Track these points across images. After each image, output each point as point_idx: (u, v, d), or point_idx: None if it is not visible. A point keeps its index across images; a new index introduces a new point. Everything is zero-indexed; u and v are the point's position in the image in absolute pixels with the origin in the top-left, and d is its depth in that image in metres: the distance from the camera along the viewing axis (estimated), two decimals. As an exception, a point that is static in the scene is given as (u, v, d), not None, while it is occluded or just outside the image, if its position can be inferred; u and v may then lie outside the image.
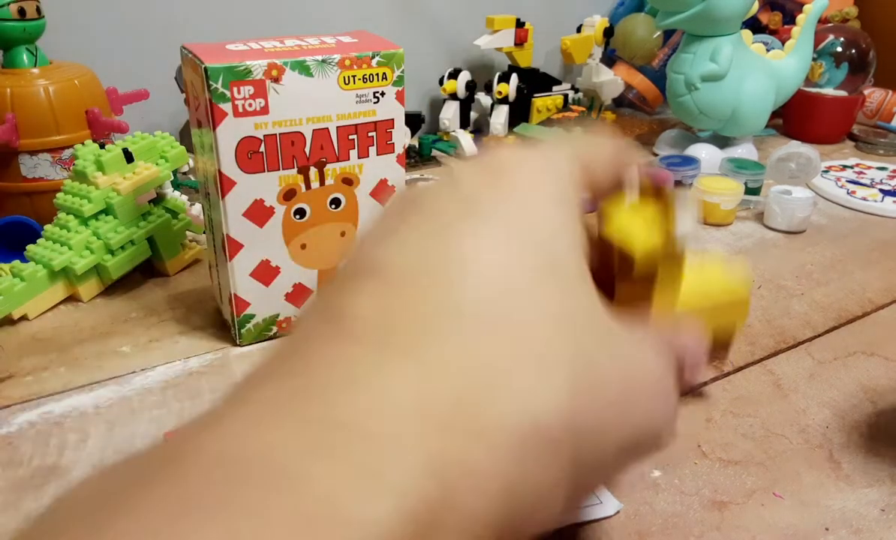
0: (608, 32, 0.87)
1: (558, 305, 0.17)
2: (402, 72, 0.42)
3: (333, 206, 0.41)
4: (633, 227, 0.23)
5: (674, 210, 0.23)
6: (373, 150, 0.41)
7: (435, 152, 0.75)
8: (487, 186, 0.19)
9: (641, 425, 0.19)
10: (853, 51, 0.85)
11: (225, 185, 0.38)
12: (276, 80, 0.39)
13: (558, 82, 0.84)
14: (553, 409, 0.16)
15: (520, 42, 0.80)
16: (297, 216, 0.40)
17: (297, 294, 0.42)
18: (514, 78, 0.78)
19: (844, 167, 0.73)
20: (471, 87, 0.79)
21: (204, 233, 0.46)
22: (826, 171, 0.71)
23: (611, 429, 0.18)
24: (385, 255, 0.17)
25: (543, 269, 0.18)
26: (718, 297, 0.27)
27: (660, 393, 0.20)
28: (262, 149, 0.39)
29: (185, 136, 0.70)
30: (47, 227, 0.45)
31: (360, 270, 0.17)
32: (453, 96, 0.79)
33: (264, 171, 0.39)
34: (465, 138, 0.76)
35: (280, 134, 0.40)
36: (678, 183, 0.24)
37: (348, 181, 0.41)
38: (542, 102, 0.81)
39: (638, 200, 0.24)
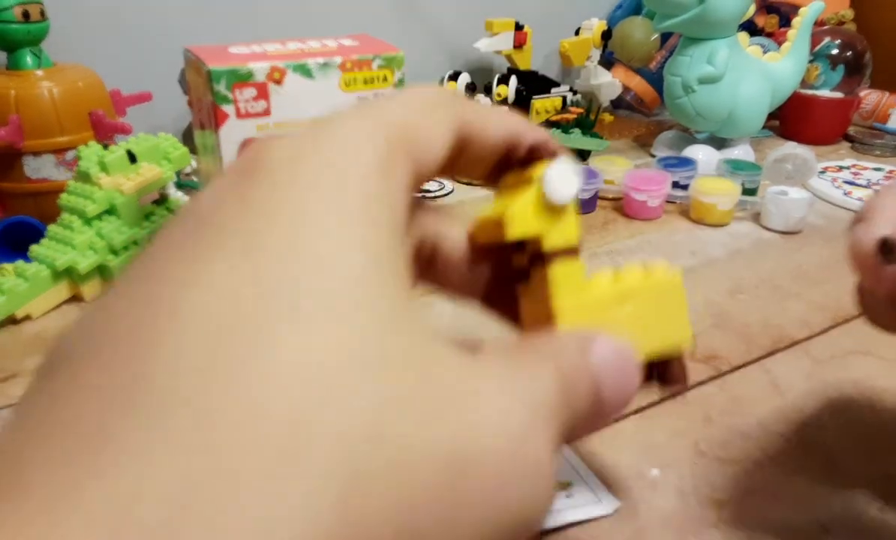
0: (606, 35, 0.87)
1: (317, 375, 0.12)
2: (403, 74, 0.42)
3: (335, 208, 0.41)
4: (511, 205, 0.20)
5: (540, 181, 0.20)
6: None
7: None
8: (233, 198, 0.15)
9: (484, 528, 0.14)
10: (849, 53, 0.86)
11: (228, 186, 0.39)
12: (279, 82, 0.39)
13: (557, 84, 0.85)
14: None
15: (519, 45, 0.81)
16: (300, 217, 0.40)
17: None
18: (513, 80, 0.78)
19: (841, 168, 0.74)
20: (470, 89, 0.79)
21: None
22: (822, 172, 0.71)
23: None
24: (89, 318, 0.14)
25: (301, 317, 0.13)
26: (643, 302, 0.21)
27: (517, 469, 0.14)
28: (265, 151, 0.39)
29: (188, 138, 0.70)
30: (51, 227, 0.46)
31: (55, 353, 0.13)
32: (453, 98, 0.79)
33: (267, 173, 0.39)
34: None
35: (283, 136, 0.40)
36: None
37: (350, 183, 0.41)
38: (541, 104, 0.81)
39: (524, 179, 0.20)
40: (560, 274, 0.20)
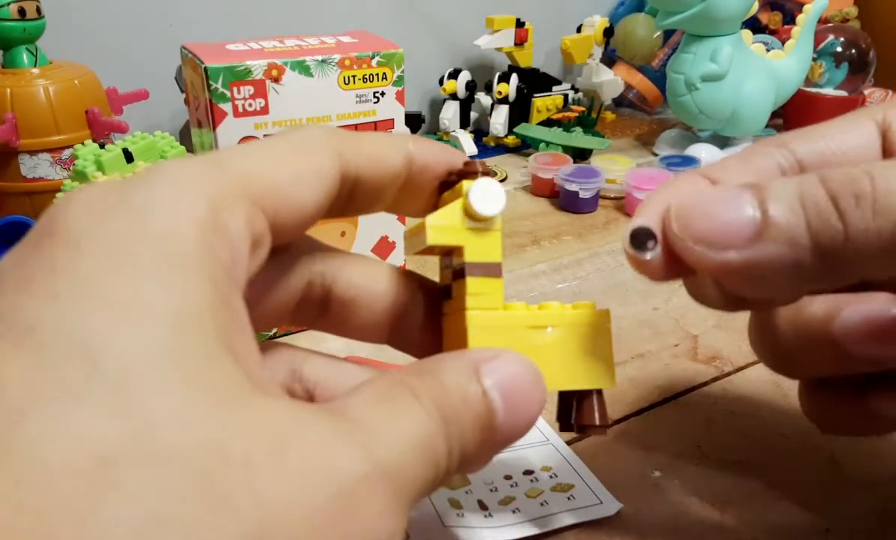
0: (608, 32, 0.87)
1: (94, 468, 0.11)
2: (402, 72, 0.42)
3: (333, 207, 0.41)
4: (434, 213, 0.20)
5: (466, 194, 0.20)
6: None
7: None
8: (11, 270, 0.13)
9: None
10: (853, 51, 0.85)
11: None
12: (276, 80, 0.39)
13: (558, 82, 0.84)
14: None
15: (520, 42, 0.80)
16: (297, 216, 0.40)
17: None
18: (514, 78, 0.78)
19: (844, 167, 0.73)
20: (471, 87, 0.79)
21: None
22: (826, 171, 0.71)
23: None
24: None
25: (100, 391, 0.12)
26: (562, 334, 0.21)
27: (345, 522, 0.13)
28: (262, 149, 0.39)
29: (185, 137, 0.70)
30: (47, 227, 0.45)
31: None
32: (453, 96, 0.79)
33: (264, 172, 0.39)
34: (466, 138, 0.76)
35: (280, 134, 0.40)
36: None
37: (348, 181, 0.41)
38: (542, 102, 0.81)
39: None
40: (477, 288, 0.20)
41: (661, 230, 0.20)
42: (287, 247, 0.20)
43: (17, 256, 0.14)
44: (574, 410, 0.22)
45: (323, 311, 0.21)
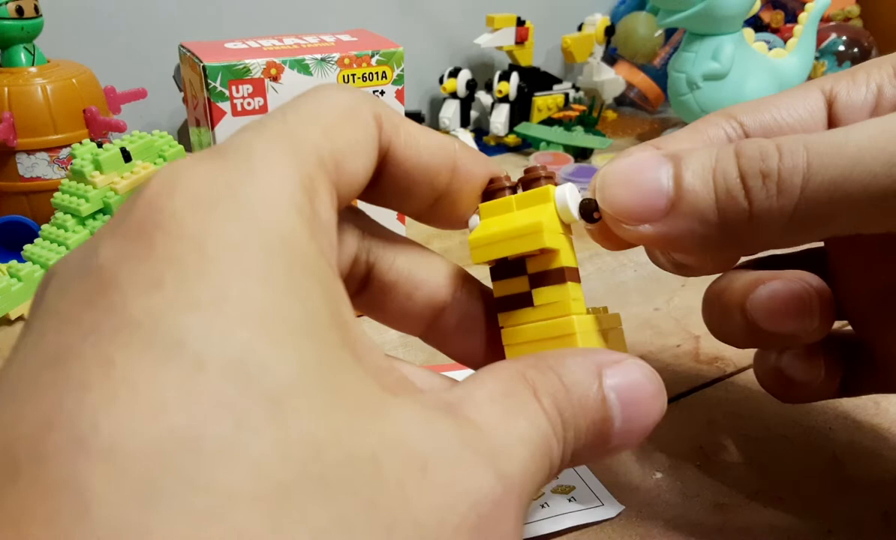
0: (609, 31, 0.86)
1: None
2: (402, 70, 0.42)
3: (332, 206, 0.41)
4: (533, 218, 0.20)
5: (556, 200, 0.20)
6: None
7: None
8: (129, 267, 0.12)
9: None
10: (855, 49, 0.85)
11: (223, 184, 0.38)
12: (275, 78, 0.39)
13: (559, 81, 0.84)
14: None
15: (520, 40, 0.80)
16: (296, 216, 0.40)
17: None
18: (514, 76, 0.78)
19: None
20: (471, 85, 0.79)
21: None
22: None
23: None
24: None
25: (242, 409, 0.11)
26: (617, 334, 0.22)
27: None
28: (260, 148, 0.39)
29: (183, 135, 0.70)
30: (44, 226, 0.45)
31: None
32: (453, 95, 0.79)
33: (263, 171, 0.39)
34: (466, 137, 0.75)
35: (278, 133, 0.39)
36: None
37: (347, 180, 0.41)
38: (543, 101, 0.81)
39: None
40: (575, 293, 0.20)
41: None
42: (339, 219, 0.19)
43: (123, 248, 0.12)
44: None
45: (361, 290, 0.21)
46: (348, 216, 0.20)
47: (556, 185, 0.20)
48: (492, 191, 0.21)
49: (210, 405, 0.11)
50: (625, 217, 0.19)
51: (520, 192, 0.21)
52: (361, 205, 0.21)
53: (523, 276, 0.21)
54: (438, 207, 0.20)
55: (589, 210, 0.20)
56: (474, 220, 0.21)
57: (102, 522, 0.10)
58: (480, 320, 0.22)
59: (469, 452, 0.13)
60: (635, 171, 0.19)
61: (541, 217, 0.19)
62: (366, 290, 0.21)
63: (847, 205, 0.17)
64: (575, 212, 0.20)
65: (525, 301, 0.20)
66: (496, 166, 0.21)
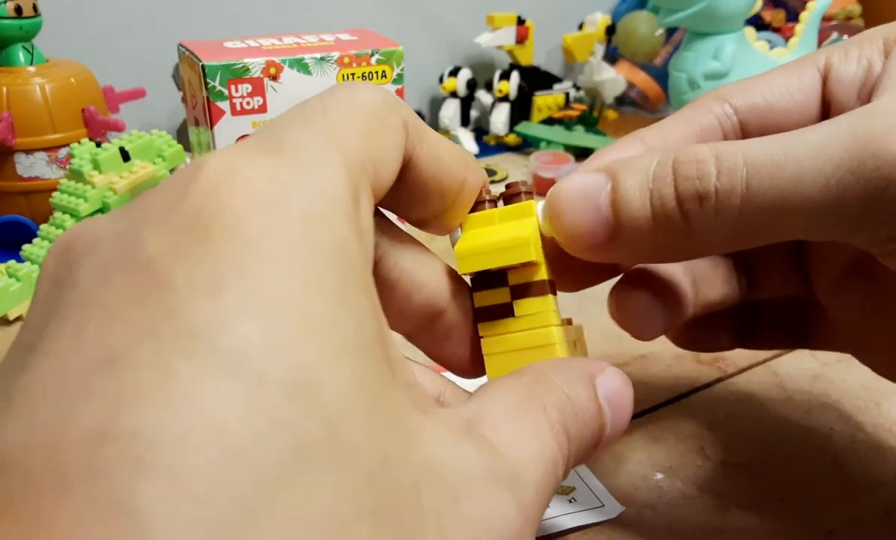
0: (610, 30, 0.86)
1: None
2: (402, 70, 0.42)
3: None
4: (519, 231, 0.21)
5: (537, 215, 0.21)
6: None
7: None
8: (186, 265, 0.11)
9: None
10: (856, 48, 0.85)
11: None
12: (275, 78, 0.38)
13: (559, 80, 0.84)
14: None
15: (521, 40, 0.80)
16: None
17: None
18: (514, 76, 0.77)
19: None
20: (471, 85, 0.79)
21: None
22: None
23: None
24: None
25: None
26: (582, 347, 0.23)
27: None
28: (259, 147, 0.39)
29: (182, 135, 0.70)
30: (43, 226, 0.45)
31: None
32: (453, 94, 0.79)
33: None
34: (466, 137, 0.75)
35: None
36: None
37: (347, 180, 0.41)
38: (544, 101, 0.80)
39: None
40: (554, 304, 0.21)
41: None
42: None
43: (175, 242, 0.12)
44: None
45: None
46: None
47: (535, 200, 0.21)
48: (478, 202, 0.21)
49: (271, 425, 0.11)
50: (571, 244, 0.20)
51: (500, 206, 0.21)
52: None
53: (504, 287, 0.21)
54: (441, 217, 0.20)
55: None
56: (457, 231, 0.22)
57: None
58: (469, 329, 0.22)
59: (494, 483, 0.14)
60: (576, 198, 0.20)
61: (526, 231, 0.20)
62: None
63: (786, 221, 0.18)
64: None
65: (506, 311, 0.21)
66: (484, 175, 0.22)
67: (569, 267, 0.22)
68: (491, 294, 0.21)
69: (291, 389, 0.11)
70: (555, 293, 0.21)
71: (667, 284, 0.24)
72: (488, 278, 0.21)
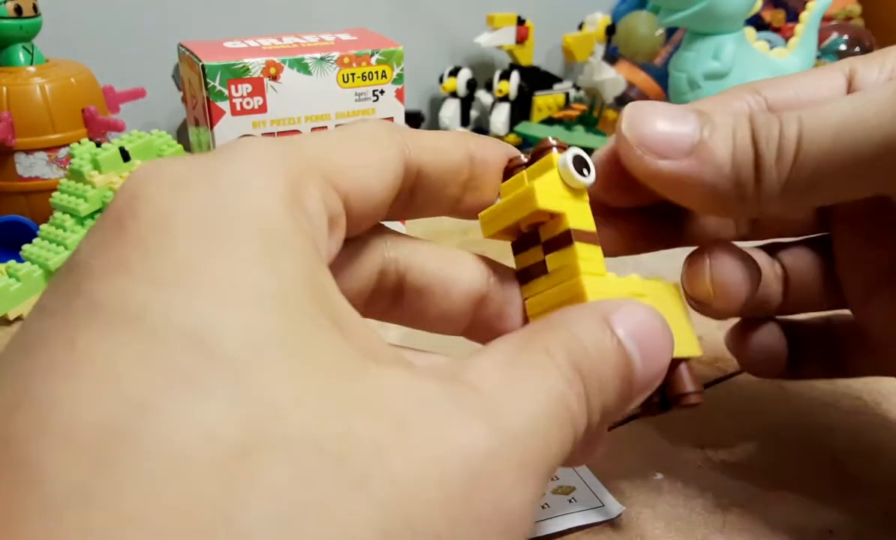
0: (610, 30, 0.86)
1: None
2: (402, 70, 0.42)
3: (332, 206, 0.41)
4: (533, 183, 0.20)
5: (559, 164, 0.20)
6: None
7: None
8: (100, 254, 0.13)
9: None
10: (857, 49, 0.85)
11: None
12: (275, 78, 0.38)
13: (559, 80, 0.84)
14: None
15: (521, 40, 0.80)
16: (295, 215, 0.40)
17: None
18: (514, 76, 0.77)
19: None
20: (471, 85, 0.79)
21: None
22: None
23: None
24: None
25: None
26: (656, 301, 0.20)
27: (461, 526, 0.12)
28: (259, 147, 0.39)
29: (182, 135, 0.70)
30: (43, 226, 0.45)
31: None
32: (453, 94, 0.79)
33: (262, 170, 0.39)
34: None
35: (278, 133, 0.39)
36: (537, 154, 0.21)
37: (347, 180, 0.41)
38: (544, 101, 0.80)
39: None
40: (585, 254, 0.20)
41: (609, 150, 0.22)
42: (358, 235, 0.19)
43: (98, 239, 0.13)
44: (665, 385, 0.21)
45: (396, 300, 0.21)
46: (373, 233, 0.20)
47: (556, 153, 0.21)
48: (510, 170, 0.21)
49: (165, 374, 0.11)
50: (648, 146, 0.20)
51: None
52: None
53: (537, 245, 0.21)
54: (465, 199, 0.21)
55: (580, 163, 0.20)
56: (497, 202, 0.22)
57: (52, 490, 0.10)
58: (518, 303, 0.22)
59: (458, 409, 0.13)
60: (665, 112, 0.20)
61: (537, 182, 0.20)
62: (402, 300, 0.21)
63: (833, 171, 0.19)
64: (572, 170, 0.20)
65: (541, 269, 0.21)
66: (511, 147, 0.22)
67: (615, 216, 0.22)
68: (527, 255, 0.21)
69: (187, 341, 0.11)
70: (594, 243, 0.20)
71: (746, 253, 0.24)
72: (524, 240, 0.21)
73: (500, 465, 0.13)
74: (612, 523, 0.27)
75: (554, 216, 0.20)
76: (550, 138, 0.21)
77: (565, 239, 0.20)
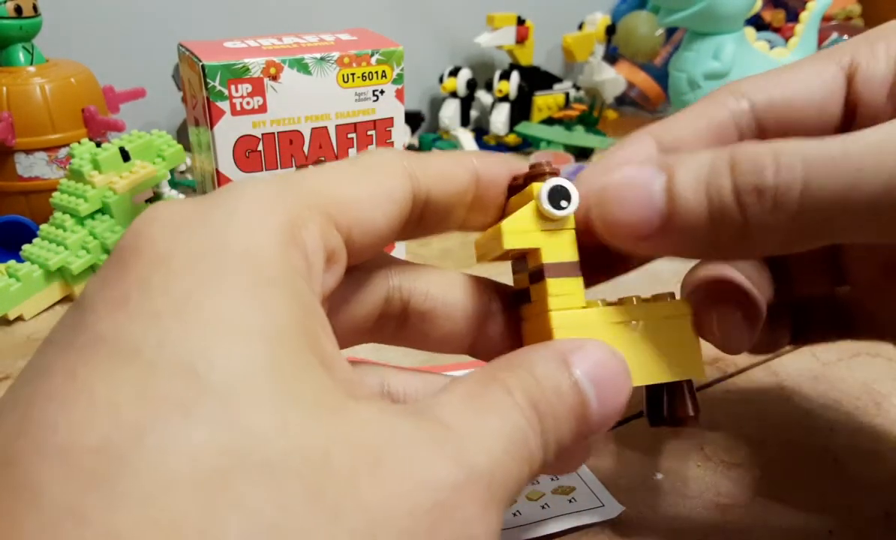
0: (610, 30, 0.86)
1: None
2: (402, 70, 0.42)
3: (332, 206, 0.41)
4: (507, 218, 0.20)
5: (537, 195, 0.20)
6: (372, 149, 0.41)
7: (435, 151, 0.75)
8: (103, 290, 0.14)
9: None
10: (856, 48, 0.85)
11: (222, 184, 0.38)
12: (275, 78, 0.38)
13: (559, 80, 0.84)
14: None
15: (521, 39, 0.80)
16: (295, 215, 0.40)
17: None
18: (514, 76, 0.77)
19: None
20: (471, 85, 0.79)
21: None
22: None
23: None
24: None
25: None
26: (646, 327, 0.21)
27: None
28: (260, 147, 0.39)
29: (182, 135, 0.70)
30: (43, 226, 0.45)
31: None
32: (453, 94, 0.79)
33: (262, 170, 0.39)
34: (466, 137, 0.75)
35: (278, 132, 0.39)
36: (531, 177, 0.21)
37: (347, 180, 0.41)
38: (544, 101, 0.80)
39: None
40: (557, 288, 0.20)
41: (584, 207, 0.20)
42: (362, 264, 0.20)
43: (104, 277, 0.14)
44: (665, 404, 0.22)
45: (401, 325, 0.21)
46: (376, 262, 0.21)
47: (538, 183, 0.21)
48: (513, 187, 0.21)
49: (159, 402, 0.12)
50: (618, 234, 0.19)
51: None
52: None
53: (524, 272, 0.21)
54: (469, 219, 0.21)
55: (558, 195, 0.20)
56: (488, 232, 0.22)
57: (49, 509, 0.11)
58: (519, 322, 0.22)
59: (430, 450, 0.14)
60: (626, 189, 0.19)
61: (510, 220, 0.20)
62: (407, 324, 0.21)
63: (844, 221, 0.17)
64: (546, 205, 0.20)
65: (527, 297, 0.21)
66: (516, 163, 0.22)
67: (598, 254, 0.21)
68: (520, 278, 0.21)
69: (180, 372, 0.12)
70: (573, 275, 0.20)
71: (751, 296, 0.23)
72: (519, 262, 0.21)
73: (464, 498, 0.14)
74: (612, 523, 0.27)
75: (528, 251, 0.20)
76: (544, 163, 0.20)
77: (538, 274, 0.20)
